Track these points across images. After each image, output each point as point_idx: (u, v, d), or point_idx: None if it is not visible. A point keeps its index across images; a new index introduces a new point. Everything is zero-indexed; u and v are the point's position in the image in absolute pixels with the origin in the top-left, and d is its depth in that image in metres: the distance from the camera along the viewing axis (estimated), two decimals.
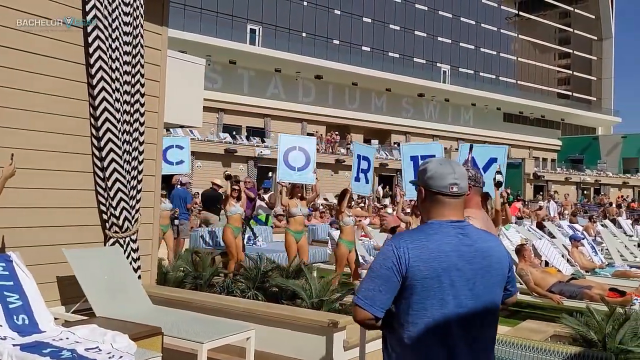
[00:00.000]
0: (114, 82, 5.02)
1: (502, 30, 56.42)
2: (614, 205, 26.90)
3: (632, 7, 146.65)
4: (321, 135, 38.67)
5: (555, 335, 5.14)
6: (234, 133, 34.25)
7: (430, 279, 1.99)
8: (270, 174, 31.79)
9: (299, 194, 8.77)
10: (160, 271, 6.10)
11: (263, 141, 34.79)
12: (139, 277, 5.24)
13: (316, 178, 8.88)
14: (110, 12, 5.02)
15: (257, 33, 41.15)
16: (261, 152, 32.03)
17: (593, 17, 64.33)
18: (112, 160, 5.02)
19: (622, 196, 44.24)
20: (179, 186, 10.85)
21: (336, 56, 43.26)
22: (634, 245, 12.92)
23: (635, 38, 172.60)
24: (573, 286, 7.53)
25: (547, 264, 9.32)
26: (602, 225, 15.01)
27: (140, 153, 5.34)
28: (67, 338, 3.62)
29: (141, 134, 5.35)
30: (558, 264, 9.02)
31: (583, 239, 10.73)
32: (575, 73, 64.24)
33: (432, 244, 2.03)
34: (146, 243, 5.61)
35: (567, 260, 9.57)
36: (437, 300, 1.99)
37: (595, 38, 64.81)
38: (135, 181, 5.27)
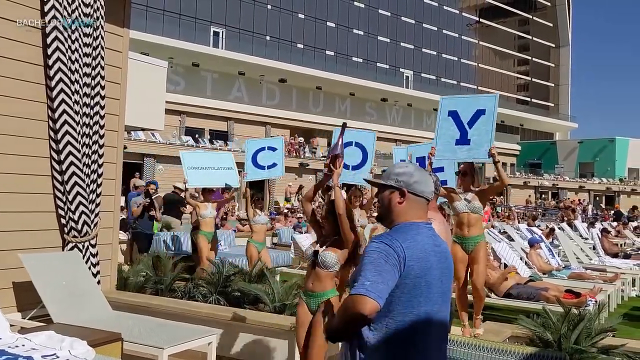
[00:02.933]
0: (73, 84, 4.93)
1: (463, 37, 57.43)
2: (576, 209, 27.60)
3: (588, 16, 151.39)
4: (284, 138, 38.62)
5: (513, 336, 5.26)
6: (197, 136, 33.90)
7: (420, 277, 2.08)
8: None
9: (358, 202, 7.45)
10: (120, 276, 6.00)
11: (226, 144, 34.53)
12: (99, 282, 5.16)
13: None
14: (70, 12, 4.94)
15: (220, 35, 40.87)
16: None
17: (551, 25, 66.06)
18: (71, 163, 4.93)
19: (578, 200, 45.49)
20: (133, 190, 10.60)
21: (300, 60, 43.28)
22: (589, 247, 13.29)
23: (591, 46, 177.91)
24: (530, 288, 7.72)
25: (505, 266, 9.51)
26: (559, 228, 15.40)
27: (100, 156, 5.26)
28: (24, 345, 3.54)
29: (101, 136, 5.27)
30: (516, 266, 9.21)
31: (541, 242, 10.99)
32: (533, 79, 65.81)
33: (418, 244, 2.12)
34: (106, 248, 5.53)
35: (525, 262, 9.79)
36: (423, 297, 2.09)
37: (553, 45, 66.55)
38: (95, 185, 5.19)
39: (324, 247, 3.81)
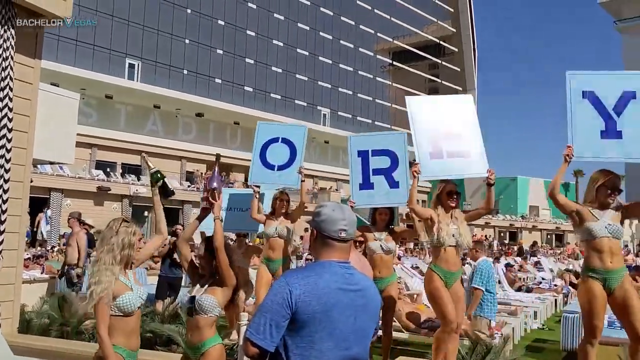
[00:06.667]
0: None
1: (377, 78, 59.55)
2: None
3: (492, 62, 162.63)
4: (201, 173, 38.15)
5: None
6: (108, 170, 32.80)
7: (320, 313, 2.11)
8: (146, 213, 30.68)
9: (284, 208, 6.67)
10: (23, 318, 5.68)
11: (139, 179, 33.59)
12: None
13: (303, 179, 6.37)
14: None
15: (136, 68, 40.13)
16: (137, 190, 30.88)
17: (458, 69, 69.90)
18: None
19: (485, 236, 47.57)
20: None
21: (218, 95, 43.22)
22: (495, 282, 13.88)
23: (494, 90, 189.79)
24: None
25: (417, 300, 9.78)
26: (467, 263, 16.00)
27: (5, 191, 5.02)
28: None
29: (7, 171, 5.04)
30: (427, 301, 9.49)
31: None
32: None
33: (322, 281, 2.16)
34: (7, 288, 5.23)
35: None
36: (325, 333, 2.12)
37: (461, 89, 70.10)
38: None
39: (203, 290, 3.59)
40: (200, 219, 3.87)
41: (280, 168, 6.47)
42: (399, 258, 15.51)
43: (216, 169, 3.92)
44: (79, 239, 9.06)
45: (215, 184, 3.79)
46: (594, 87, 4.57)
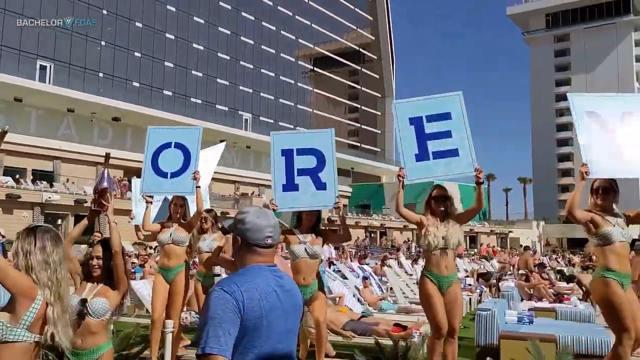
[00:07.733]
0: None
1: (299, 84, 60.04)
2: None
3: (410, 70, 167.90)
4: (118, 180, 36.94)
5: None
6: (18, 176, 31.17)
7: (260, 318, 2.16)
8: (59, 221, 29.44)
9: (179, 213, 6.12)
10: None
11: (52, 185, 32.17)
12: None
13: (198, 185, 5.86)
14: None
15: (48, 70, 38.39)
16: (49, 197, 29.57)
17: (377, 76, 71.63)
18: None
19: (407, 240, 48.99)
20: None
21: (136, 99, 42.05)
22: (414, 282, 14.41)
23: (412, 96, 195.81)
24: (363, 324, 8.23)
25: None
26: (387, 265, 16.51)
27: None
28: None
29: None
30: (349, 303, 9.76)
31: (369, 278, 11.74)
32: (363, 126, 70.42)
33: (258, 285, 2.20)
34: None
35: (358, 299, 10.40)
36: (264, 338, 2.17)
37: (380, 95, 72.02)
38: None
39: (94, 293, 3.46)
40: (88, 220, 3.71)
41: (174, 175, 5.90)
42: (326, 263, 15.69)
43: (106, 169, 3.79)
44: None
45: (105, 184, 3.66)
46: (594, 107, 4.76)
